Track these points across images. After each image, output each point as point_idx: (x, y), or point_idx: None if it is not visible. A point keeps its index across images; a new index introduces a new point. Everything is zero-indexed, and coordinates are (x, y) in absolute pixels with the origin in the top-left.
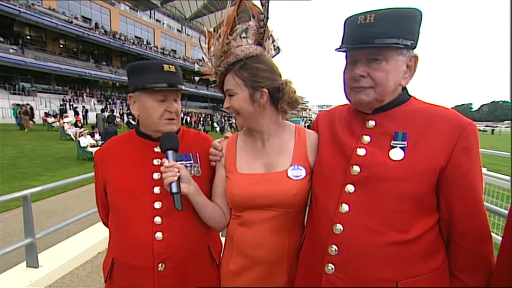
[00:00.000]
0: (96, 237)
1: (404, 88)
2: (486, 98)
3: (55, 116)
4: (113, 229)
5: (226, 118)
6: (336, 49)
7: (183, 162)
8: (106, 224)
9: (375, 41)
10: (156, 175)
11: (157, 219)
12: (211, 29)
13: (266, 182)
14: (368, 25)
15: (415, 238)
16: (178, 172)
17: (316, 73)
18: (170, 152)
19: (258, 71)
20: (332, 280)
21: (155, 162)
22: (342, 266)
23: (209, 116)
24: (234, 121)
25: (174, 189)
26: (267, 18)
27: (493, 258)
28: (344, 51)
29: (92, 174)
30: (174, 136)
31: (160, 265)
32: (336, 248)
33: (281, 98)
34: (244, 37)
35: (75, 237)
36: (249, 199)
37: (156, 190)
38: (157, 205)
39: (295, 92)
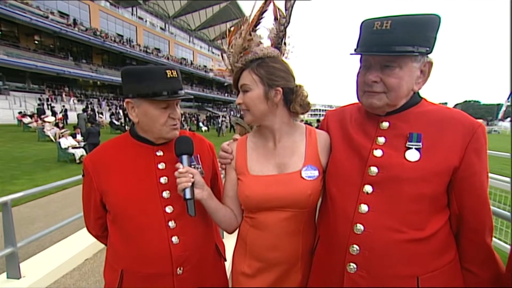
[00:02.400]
0: (82, 243)
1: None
2: (459, 97)
3: (31, 116)
4: (119, 240)
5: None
6: (351, 53)
7: (192, 164)
8: (98, 237)
9: (390, 48)
10: (163, 179)
11: (171, 224)
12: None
13: (280, 183)
14: (384, 31)
15: (432, 234)
16: (192, 177)
17: (301, 74)
18: (185, 157)
19: (275, 70)
20: (355, 279)
21: (160, 166)
22: (364, 265)
23: (194, 115)
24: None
25: (188, 195)
26: (288, 23)
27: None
28: (359, 55)
29: (78, 177)
30: (189, 140)
31: (178, 269)
32: (358, 248)
33: (294, 99)
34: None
35: (59, 244)
36: (263, 201)
37: (165, 194)
38: (169, 209)
39: (307, 96)
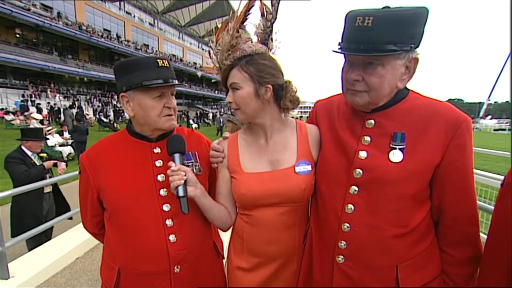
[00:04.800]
0: (73, 242)
1: None
2: (444, 96)
3: (14, 113)
4: (116, 238)
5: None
6: (333, 51)
7: (185, 162)
8: (95, 234)
9: (371, 46)
10: (160, 177)
11: (168, 222)
12: (218, 25)
13: (275, 180)
14: (366, 29)
15: (413, 229)
16: (185, 175)
17: (290, 70)
18: (177, 155)
19: (264, 67)
20: (343, 268)
21: (157, 163)
22: (350, 257)
23: (184, 112)
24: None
25: (181, 193)
26: (275, 18)
27: (479, 237)
28: (340, 53)
29: (66, 175)
30: (180, 138)
31: (176, 267)
32: (345, 243)
33: (284, 95)
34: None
35: (49, 243)
36: (259, 198)
37: (162, 192)
38: (166, 207)
39: (296, 91)
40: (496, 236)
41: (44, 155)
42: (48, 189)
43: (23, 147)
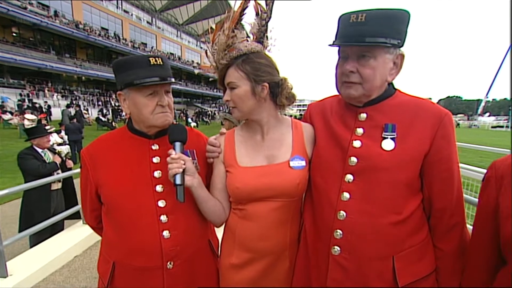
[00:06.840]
0: (71, 241)
1: (390, 83)
2: (443, 93)
3: (12, 113)
4: (112, 232)
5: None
6: (329, 45)
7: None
8: (94, 228)
9: (365, 39)
10: (157, 173)
11: (163, 218)
12: (213, 25)
13: (270, 174)
14: (360, 24)
15: (407, 217)
16: (184, 164)
17: (289, 69)
18: (178, 144)
19: (260, 65)
20: (339, 260)
21: (155, 160)
22: (346, 247)
23: (182, 111)
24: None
25: (178, 181)
26: (270, 17)
27: (466, 228)
28: (336, 46)
29: (63, 174)
30: (182, 127)
31: (169, 263)
32: (341, 232)
33: (280, 93)
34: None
35: (47, 241)
36: (254, 192)
37: (158, 188)
38: (161, 203)
39: (292, 88)
40: (478, 229)
41: (60, 151)
42: (56, 186)
43: (34, 146)
